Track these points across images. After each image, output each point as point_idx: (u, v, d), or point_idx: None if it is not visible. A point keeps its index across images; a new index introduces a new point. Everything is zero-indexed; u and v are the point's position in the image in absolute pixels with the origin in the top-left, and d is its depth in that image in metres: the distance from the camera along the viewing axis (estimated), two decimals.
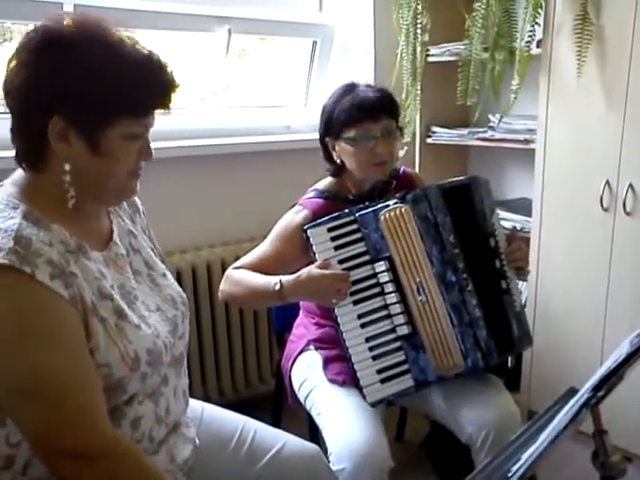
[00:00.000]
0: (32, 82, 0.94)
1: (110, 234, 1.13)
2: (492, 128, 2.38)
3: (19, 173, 1.04)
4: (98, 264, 1.04)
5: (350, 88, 1.62)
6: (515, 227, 2.24)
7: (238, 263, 1.61)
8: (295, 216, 1.62)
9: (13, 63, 0.96)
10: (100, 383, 0.98)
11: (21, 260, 0.89)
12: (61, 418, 0.92)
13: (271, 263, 1.57)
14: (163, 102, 1.03)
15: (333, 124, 1.61)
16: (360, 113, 1.56)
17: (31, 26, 1.91)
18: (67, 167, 0.98)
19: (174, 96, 1.04)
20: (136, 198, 1.27)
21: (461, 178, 1.55)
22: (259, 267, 1.56)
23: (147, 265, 1.19)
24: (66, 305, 0.94)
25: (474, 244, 1.51)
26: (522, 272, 1.60)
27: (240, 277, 1.56)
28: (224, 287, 1.59)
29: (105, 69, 0.94)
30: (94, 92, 0.94)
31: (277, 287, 1.46)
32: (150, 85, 0.99)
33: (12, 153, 1.02)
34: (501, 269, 1.52)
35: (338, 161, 1.65)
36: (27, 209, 0.96)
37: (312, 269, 1.46)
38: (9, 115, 0.99)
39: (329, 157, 1.68)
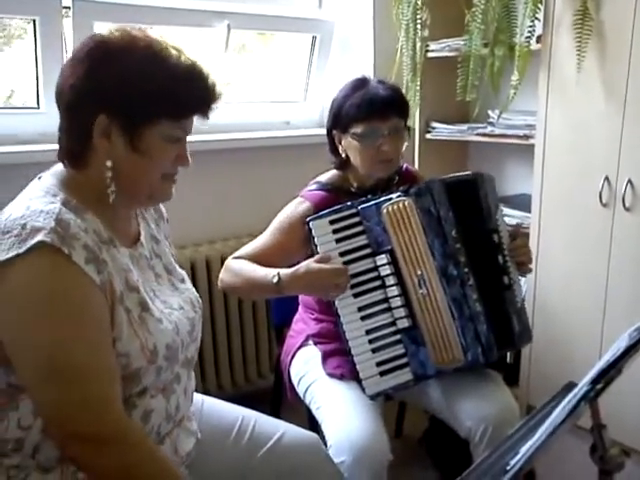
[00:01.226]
0: (83, 82, 1.01)
1: (138, 235, 1.18)
2: (492, 124, 2.37)
3: (59, 166, 1.09)
4: (125, 258, 1.08)
5: (361, 83, 1.62)
6: (518, 223, 2.23)
7: (238, 253, 1.61)
8: (297, 207, 1.63)
9: (68, 65, 1.04)
10: (119, 370, 1.00)
11: (61, 240, 0.94)
12: (80, 402, 0.95)
13: (272, 253, 1.57)
14: (202, 109, 1.09)
15: (342, 118, 1.61)
16: (369, 110, 1.56)
17: (30, 22, 1.95)
18: (109, 163, 1.03)
19: (214, 106, 1.10)
20: (161, 205, 1.32)
21: (467, 173, 1.55)
22: (259, 257, 1.57)
23: (167, 270, 1.23)
24: (97, 290, 0.98)
25: (477, 239, 1.51)
26: (525, 268, 1.61)
27: (239, 268, 1.56)
28: (223, 277, 1.59)
29: (149, 74, 1.02)
30: (138, 94, 1.01)
31: (275, 280, 1.46)
32: (190, 91, 1.05)
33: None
34: (504, 265, 1.53)
35: (343, 155, 1.65)
36: (66, 198, 1.02)
37: (310, 263, 1.46)
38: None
39: (334, 150, 1.68)
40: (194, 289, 1.28)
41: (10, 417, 1.00)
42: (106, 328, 0.99)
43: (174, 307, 1.16)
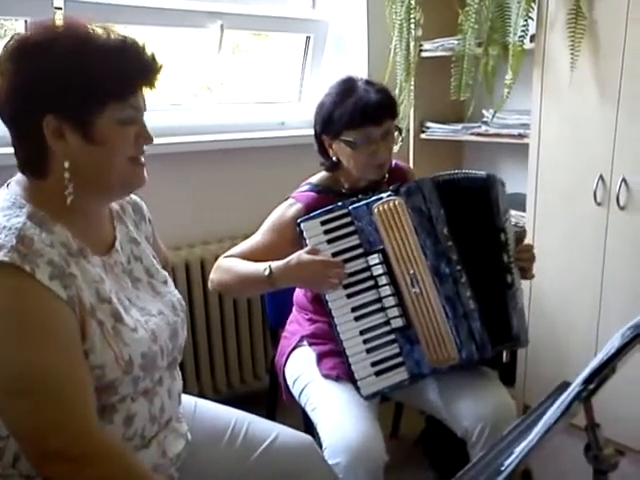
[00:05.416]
0: (17, 88, 0.97)
1: (113, 241, 1.14)
2: (486, 123, 2.38)
3: (22, 175, 1.05)
4: (97, 268, 1.06)
5: (349, 87, 1.58)
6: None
7: (229, 252, 1.61)
8: (288, 209, 1.62)
9: None
10: (92, 384, 0.98)
11: (22, 258, 0.91)
12: (50, 419, 0.92)
13: (262, 254, 1.56)
14: (145, 82, 1.04)
15: (333, 125, 1.58)
16: (363, 117, 1.54)
17: (21, 22, 1.93)
18: (67, 164, 0.99)
19: (158, 75, 1.05)
20: (143, 205, 1.29)
21: (480, 173, 1.54)
22: (249, 257, 1.57)
23: (148, 273, 1.20)
24: (63, 306, 0.95)
25: (478, 236, 1.50)
26: (527, 273, 1.61)
27: (230, 265, 1.56)
28: (214, 276, 1.59)
29: (80, 60, 0.96)
30: (74, 84, 0.96)
31: (266, 272, 1.46)
32: (126, 67, 1.00)
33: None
34: (508, 264, 1.53)
35: (334, 158, 1.64)
36: (33, 210, 0.99)
37: (302, 254, 1.47)
38: None
39: (324, 153, 1.67)
40: (177, 291, 1.25)
41: None
42: (75, 343, 0.96)
43: (152, 313, 1.14)
